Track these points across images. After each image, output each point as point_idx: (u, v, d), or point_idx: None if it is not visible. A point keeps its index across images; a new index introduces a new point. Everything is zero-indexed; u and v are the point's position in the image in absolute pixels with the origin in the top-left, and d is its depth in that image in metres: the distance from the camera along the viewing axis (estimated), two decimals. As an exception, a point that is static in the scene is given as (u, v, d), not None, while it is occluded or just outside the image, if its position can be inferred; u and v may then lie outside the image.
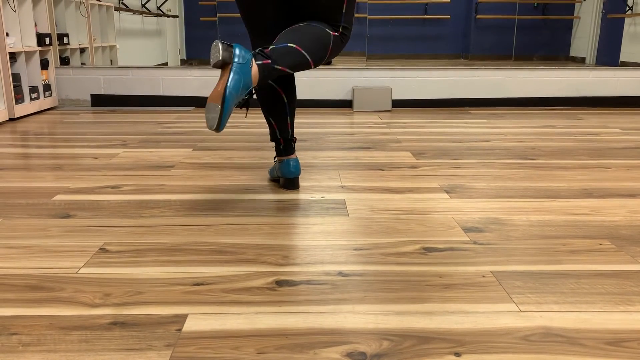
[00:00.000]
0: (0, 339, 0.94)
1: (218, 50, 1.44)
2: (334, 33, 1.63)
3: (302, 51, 1.56)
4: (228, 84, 1.41)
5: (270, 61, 1.50)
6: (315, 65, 1.64)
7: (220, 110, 1.41)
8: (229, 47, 1.45)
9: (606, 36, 6.69)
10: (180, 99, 3.79)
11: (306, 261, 1.27)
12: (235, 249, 1.33)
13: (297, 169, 1.82)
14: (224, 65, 1.45)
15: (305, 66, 1.59)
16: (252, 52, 1.51)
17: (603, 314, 1.04)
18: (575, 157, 2.32)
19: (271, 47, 1.53)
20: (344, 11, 1.64)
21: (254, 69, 1.47)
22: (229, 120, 3.25)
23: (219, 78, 1.46)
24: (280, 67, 1.52)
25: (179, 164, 2.18)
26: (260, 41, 1.73)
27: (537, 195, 1.77)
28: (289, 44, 1.54)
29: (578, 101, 3.85)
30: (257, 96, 1.79)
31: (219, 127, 1.43)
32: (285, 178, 1.83)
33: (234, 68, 1.43)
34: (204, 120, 3.22)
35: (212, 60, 1.46)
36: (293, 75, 1.80)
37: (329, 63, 3.98)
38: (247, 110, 1.71)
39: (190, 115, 3.42)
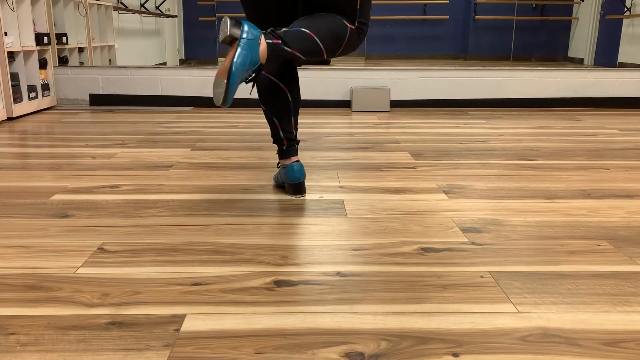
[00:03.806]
0: (-2, 338, 0.95)
1: (226, 26, 1.44)
2: (350, 26, 1.60)
3: (315, 38, 1.54)
4: (234, 59, 1.41)
5: (280, 42, 1.49)
6: (329, 56, 1.62)
7: (226, 85, 1.40)
8: (237, 24, 1.46)
9: (604, 37, 6.70)
10: (178, 98, 3.79)
11: (304, 261, 1.27)
12: (233, 249, 1.33)
13: (302, 173, 1.76)
14: (232, 41, 1.45)
15: (317, 54, 1.57)
16: (263, 31, 1.50)
17: (601, 314, 1.04)
18: (573, 158, 2.33)
19: (284, 29, 1.52)
20: (358, 7, 1.61)
21: (262, 45, 1.46)
22: (229, 119, 3.25)
23: (226, 55, 1.49)
24: (290, 50, 1.51)
25: (178, 163, 2.18)
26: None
27: (536, 196, 1.77)
28: (302, 29, 1.53)
29: (576, 102, 3.86)
30: (260, 95, 1.77)
31: (225, 102, 1.43)
32: (291, 184, 1.77)
33: (241, 43, 1.42)
34: (203, 117, 3.22)
35: (221, 36, 1.47)
36: (297, 74, 1.79)
37: (327, 63, 3.98)
38: (253, 86, 1.69)
39: (189, 115, 3.42)
